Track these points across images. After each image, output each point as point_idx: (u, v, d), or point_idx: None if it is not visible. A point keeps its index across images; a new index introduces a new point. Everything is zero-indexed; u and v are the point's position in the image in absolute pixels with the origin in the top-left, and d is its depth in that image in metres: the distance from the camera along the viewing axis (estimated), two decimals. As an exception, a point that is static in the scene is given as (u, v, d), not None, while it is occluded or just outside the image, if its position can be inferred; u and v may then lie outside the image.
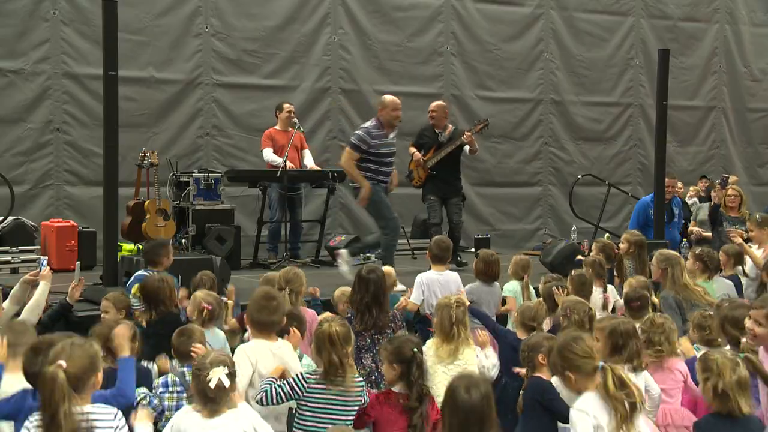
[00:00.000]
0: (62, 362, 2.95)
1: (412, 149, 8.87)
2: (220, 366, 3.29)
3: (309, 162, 9.34)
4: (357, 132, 7.69)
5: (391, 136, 7.77)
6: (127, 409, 3.41)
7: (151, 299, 4.94)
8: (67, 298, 5.47)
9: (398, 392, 3.86)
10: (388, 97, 7.83)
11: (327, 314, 4.49)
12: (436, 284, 5.84)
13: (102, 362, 3.18)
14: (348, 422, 3.77)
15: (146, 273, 5.61)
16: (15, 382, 3.50)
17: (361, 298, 4.87)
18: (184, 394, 3.97)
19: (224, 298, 5.33)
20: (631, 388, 3.34)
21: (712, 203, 8.72)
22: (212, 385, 3.23)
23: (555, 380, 3.81)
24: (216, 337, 4.65)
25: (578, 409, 3.38)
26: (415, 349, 3.84)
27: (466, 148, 8.70)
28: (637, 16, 12.73)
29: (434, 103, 9.05)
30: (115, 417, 3.11)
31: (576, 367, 3.48)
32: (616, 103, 12.66)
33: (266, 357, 3.98)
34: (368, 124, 7.70)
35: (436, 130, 8.84)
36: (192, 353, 4.03)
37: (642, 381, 3.95)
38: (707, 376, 3.54)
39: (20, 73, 9.32)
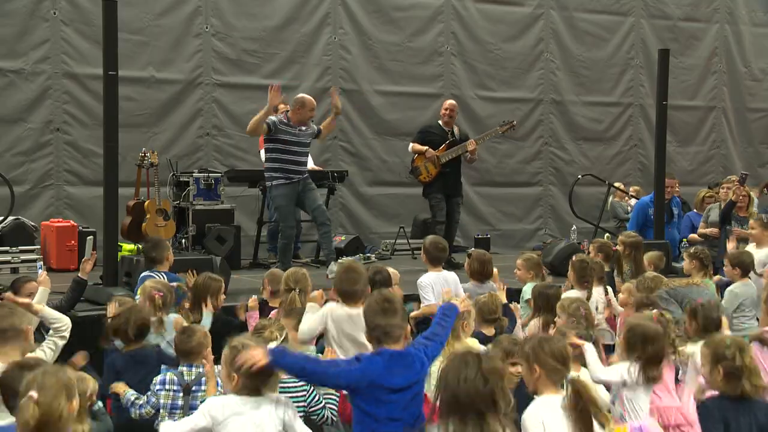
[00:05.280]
0: (33, 393, 2.80)
1: (418, 146, 8.76)
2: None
3: (309, 163, 9.32)
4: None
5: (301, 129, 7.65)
6: None
7: (197, 297, 5.06)
8: (79, 274, 5.52)
9: None
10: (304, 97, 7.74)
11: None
12: (437, 285, 5.84)
13: (76, 390, 3.00)
14: None
15: (151, 274, 5.62)
16: None
17: None
18: (180, 394, 3.97)
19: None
20: (600, 405, 3.24)
21: (728, 200, 8.62)
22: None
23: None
24: (168, 322, 4.76)
25: (532, 414, 3.29)
26: None
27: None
28: (637, 16, 12.72)
29: (451, 102, 9.01)
30: None
31: (543, 364, 3.40)
32: (616, 103, 12.66)
33: (341, 319, 4.41)
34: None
35: (446, 129, 8.80)
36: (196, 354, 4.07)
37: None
38: (716, 359, 3.62)
39: (20, 73, 9.32)
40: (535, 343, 3.48)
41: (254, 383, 3.17)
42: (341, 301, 4.53)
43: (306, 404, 3.79)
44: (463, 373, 2.91)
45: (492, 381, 2.92)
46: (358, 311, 4.32)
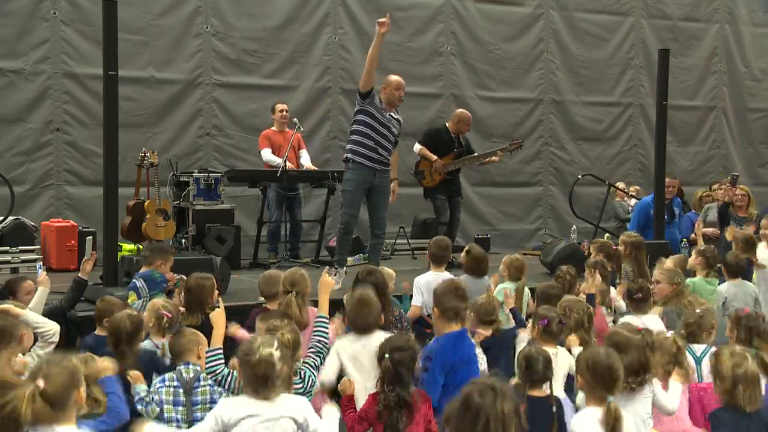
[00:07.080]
0: (40, 382, 2.81)
1: (428, 153, 8.82)
2: (269, 346, 3.27)
3: (306, 162, 9.33)
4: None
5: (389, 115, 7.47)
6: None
7: (194, 299, 4.98)
8: (79, 274, 5.50)
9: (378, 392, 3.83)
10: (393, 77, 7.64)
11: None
12: (434, 286, 5.80)
13: (83, 377, 3.02)
14: None
15: (134, 280, 5.63)
16: None
17: None
18: (181, 390, 3.99)
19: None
20: None
21: (722, 201, 8.64)
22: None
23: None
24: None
25: (582, 422, 3.39)
26: (387, 355, 3.75)
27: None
28: (637, 16, 12.73)
29: (466, 113, 9.09)
30: None
31: (584, 378, 3.48)
32: (616, 103, 12.66)
33: (353, 352, 4.21)
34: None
35: (455, 136, 8.94)
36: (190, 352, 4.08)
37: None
38: (717, 370, 3.72)
39: (20, 73, 9.32)
40: (581, 356, 3.55)
41: (263, 390, 3.22)
42: (353, 330, 4.36)
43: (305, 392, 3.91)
44: (499, 405, 2.72)
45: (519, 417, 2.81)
46: (368, 338, 4.25)
